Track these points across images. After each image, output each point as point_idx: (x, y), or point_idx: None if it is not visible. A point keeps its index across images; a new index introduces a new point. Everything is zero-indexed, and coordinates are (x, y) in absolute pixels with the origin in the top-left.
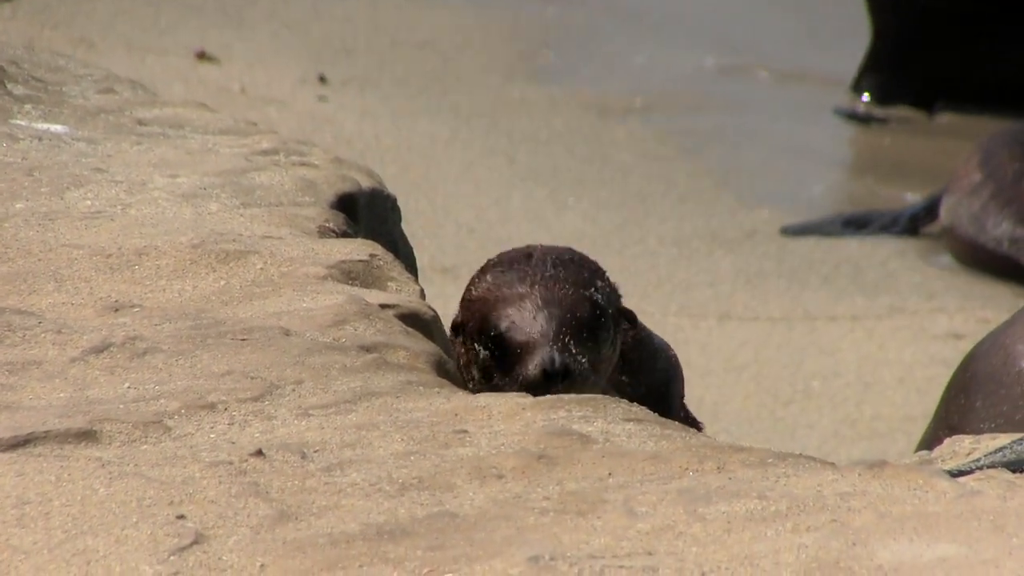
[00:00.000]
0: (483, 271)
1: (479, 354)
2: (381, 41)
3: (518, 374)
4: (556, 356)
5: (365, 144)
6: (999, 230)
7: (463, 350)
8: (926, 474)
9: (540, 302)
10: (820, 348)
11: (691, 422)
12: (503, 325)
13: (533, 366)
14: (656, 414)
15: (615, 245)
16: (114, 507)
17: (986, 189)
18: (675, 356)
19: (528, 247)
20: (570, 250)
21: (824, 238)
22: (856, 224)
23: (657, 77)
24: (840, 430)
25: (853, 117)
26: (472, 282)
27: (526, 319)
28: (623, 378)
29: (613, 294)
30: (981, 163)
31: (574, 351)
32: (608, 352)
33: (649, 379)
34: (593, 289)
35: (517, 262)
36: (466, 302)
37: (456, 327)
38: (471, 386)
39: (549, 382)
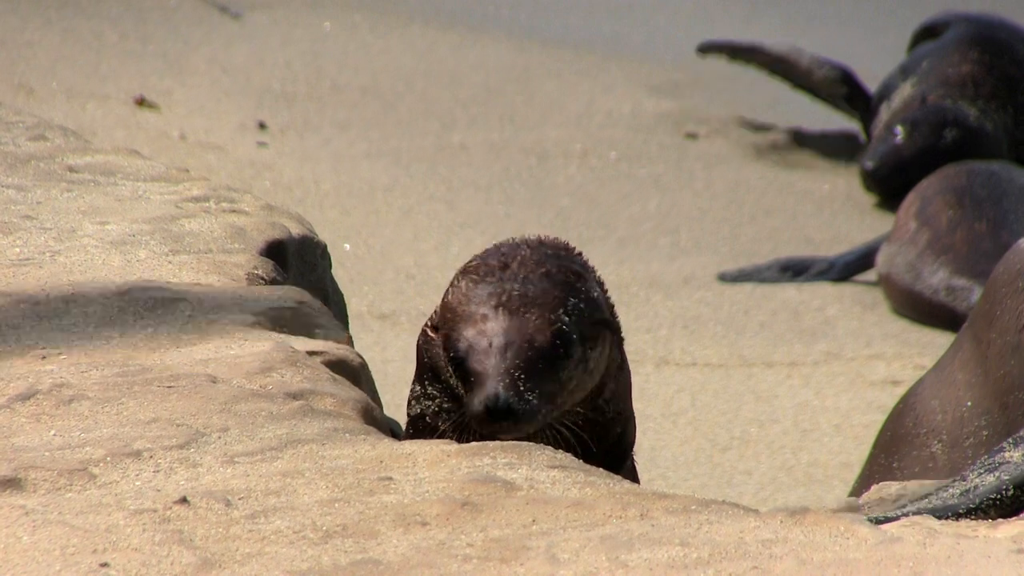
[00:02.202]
0: (463, 272)
1: (448, 365)
2: (322, 86)
3: (467, 403)
4: (501, 394)
5: (304, 190)
6: (935, 278)
7: (441, 349)
8: (847, 521)
9: (500, 328)
10: (757, 394)
11: (632, 471)
12: (461, 347)
13: (478, 401)
14: (582, 460)
15: None
16: (37, 555)
17: (922, 237)
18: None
19: (513, 247)
20: (555, 255)
21: (761, 284)
22: (793, 270)
23: (596, 122)
24: (777, 477)
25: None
26: (452, 282)
27: (482, 347)
28: (586, 410)
29: (589, 308)
30: (918, 211)
31: (523, 387)
32: (570, 378)
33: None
34: (562, 311)
35: (491, 273)
36: (443, 305)
37: (435, 327)
38: (438, 389)
39: (493, 420)
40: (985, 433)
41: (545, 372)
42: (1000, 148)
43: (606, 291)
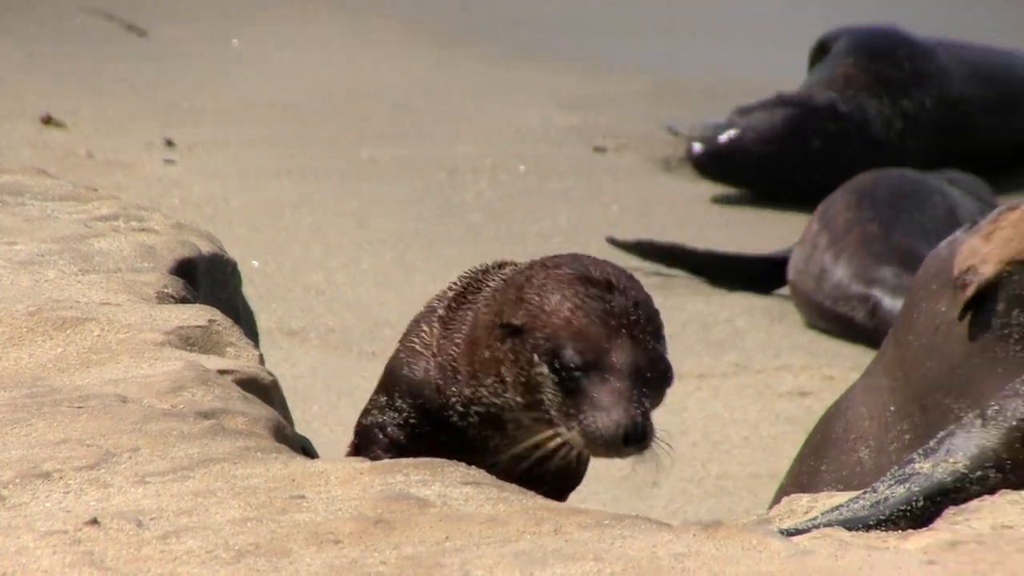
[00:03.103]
0: (559, 281)
1: (534, 367)
2: (229, 104)
3: (589, 422)
4: (639, 419)
5: (214, 207)
6: (830, 284)
7: (508, 349)
8: (760, 534)
9: (628, 351)
10: (667, 406)
11: None
12: (583, 360)
13: (615, 426)
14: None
15: None
16: None
17: (822, 240)
18: None
19: (601, 268)
20: (634, 279)
21: (670, 296)
22: (716, 264)
23: (505, 137)
24: (687, 489)
25: (678, 134)
26: (541, 287)
27: (611, 365)
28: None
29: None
30: (821, 212)
31: (649, 414)
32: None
33: None
34: (663, 341)
35: (598, 287)
36: (535, 309)
37: (512, 328)
38: (487, 388)
39: (627, 444)
40: (907, 437)
41: (654, 401)
42: (865, 126)
43: None
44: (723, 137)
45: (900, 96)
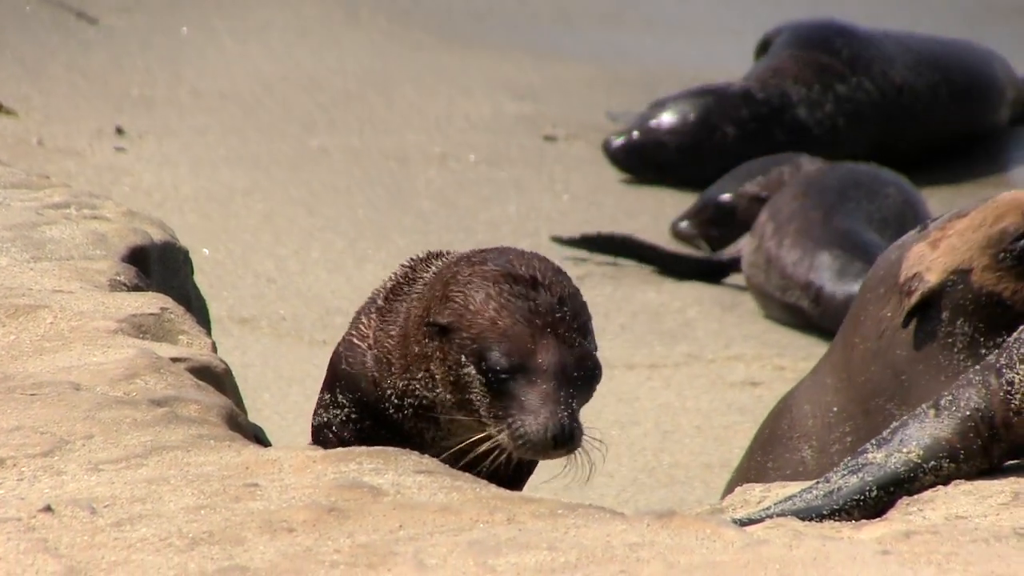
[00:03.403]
0: (484, 278)
1: (462, 367)
2: (180, 91)
3: (518, 425)
4: (566, 422)
5: (164, 194)
6: (776, 274)
7: (436, 347)
8: (714, 523)
9: (554, 352)
10: (618, 396)
11: None
12: (509, 363)
13: (545, 429)
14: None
15: None
16: None
17: (768, 230)
18: None
19: (527, 263)
20: (561, 272)
21: (621, 286)
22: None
23: (455, 125)
24: (639, 478)
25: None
26: (466, 285)
27: (537, 367)
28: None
29: (592, 332)
30: (770, 205)
31: (577, 414)
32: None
33: None
34: (591, 335)
35: (522, 285)
36: (460, 308)
37: (440, 328)
38: (419, 382)
39: (557, 447)
40: (850, 440)
41: (583, 398)
42: (786, 111)
43: None
44: (636, 131)
45: (835, 81)
